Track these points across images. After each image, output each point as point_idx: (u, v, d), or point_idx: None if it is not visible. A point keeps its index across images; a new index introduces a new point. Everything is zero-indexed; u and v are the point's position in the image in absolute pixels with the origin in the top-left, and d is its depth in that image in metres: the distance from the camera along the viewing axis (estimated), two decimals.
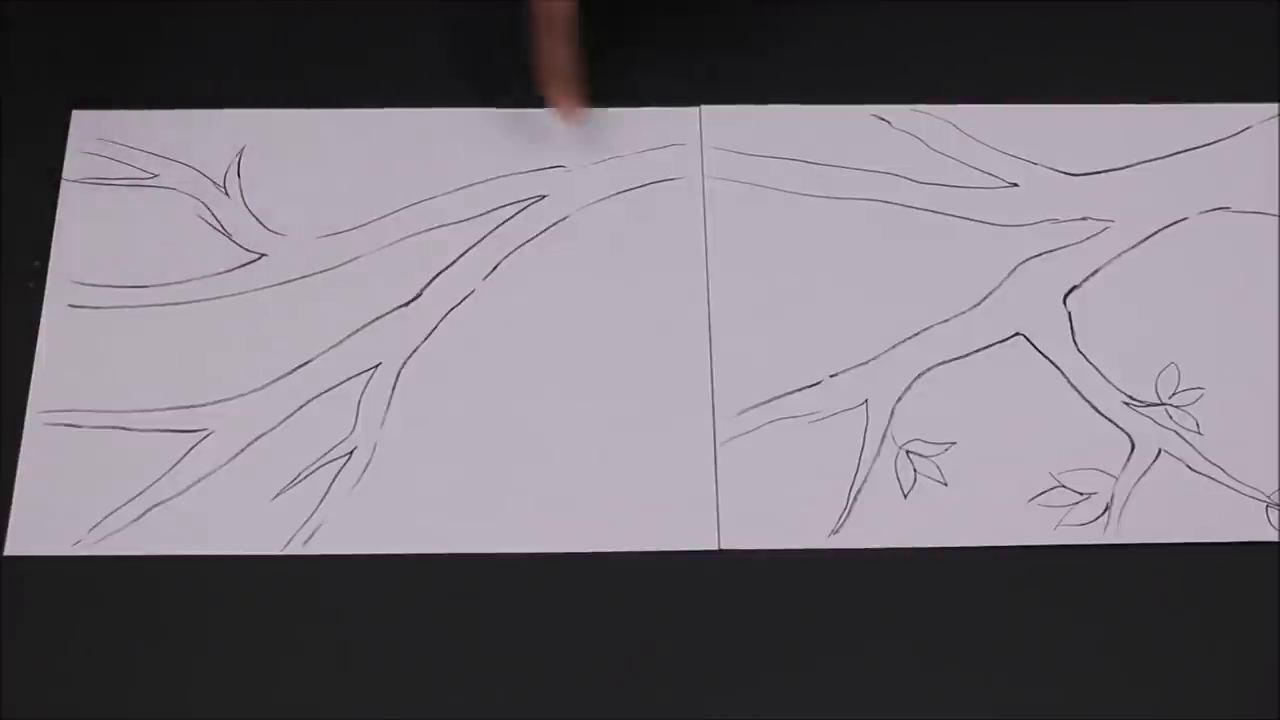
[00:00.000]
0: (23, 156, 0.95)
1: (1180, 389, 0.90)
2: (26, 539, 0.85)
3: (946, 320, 0.91)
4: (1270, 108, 0.98)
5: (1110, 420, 0.89)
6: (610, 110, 0.97)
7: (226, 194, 0.95)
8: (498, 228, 0.94)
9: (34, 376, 0.89)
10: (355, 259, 0.93)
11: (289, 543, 0.85)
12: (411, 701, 0.82)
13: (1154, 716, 0.82)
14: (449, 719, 0.82)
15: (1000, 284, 0.92)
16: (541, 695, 0.82)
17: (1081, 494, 0.87)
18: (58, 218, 0.94)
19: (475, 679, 0.83)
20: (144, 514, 0.86)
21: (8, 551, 0.85)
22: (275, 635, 0.84)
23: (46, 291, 0.91)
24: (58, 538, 0.85)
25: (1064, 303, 0.92)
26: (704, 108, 0.97)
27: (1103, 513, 0.87)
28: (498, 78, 0.98)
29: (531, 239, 0.93)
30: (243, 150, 0.95)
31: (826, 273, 0.93)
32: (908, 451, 0.88)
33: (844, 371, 0.90)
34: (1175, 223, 0.94)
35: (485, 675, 0.83)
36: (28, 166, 0.95)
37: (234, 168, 0.95)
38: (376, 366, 0.90)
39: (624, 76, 0.98)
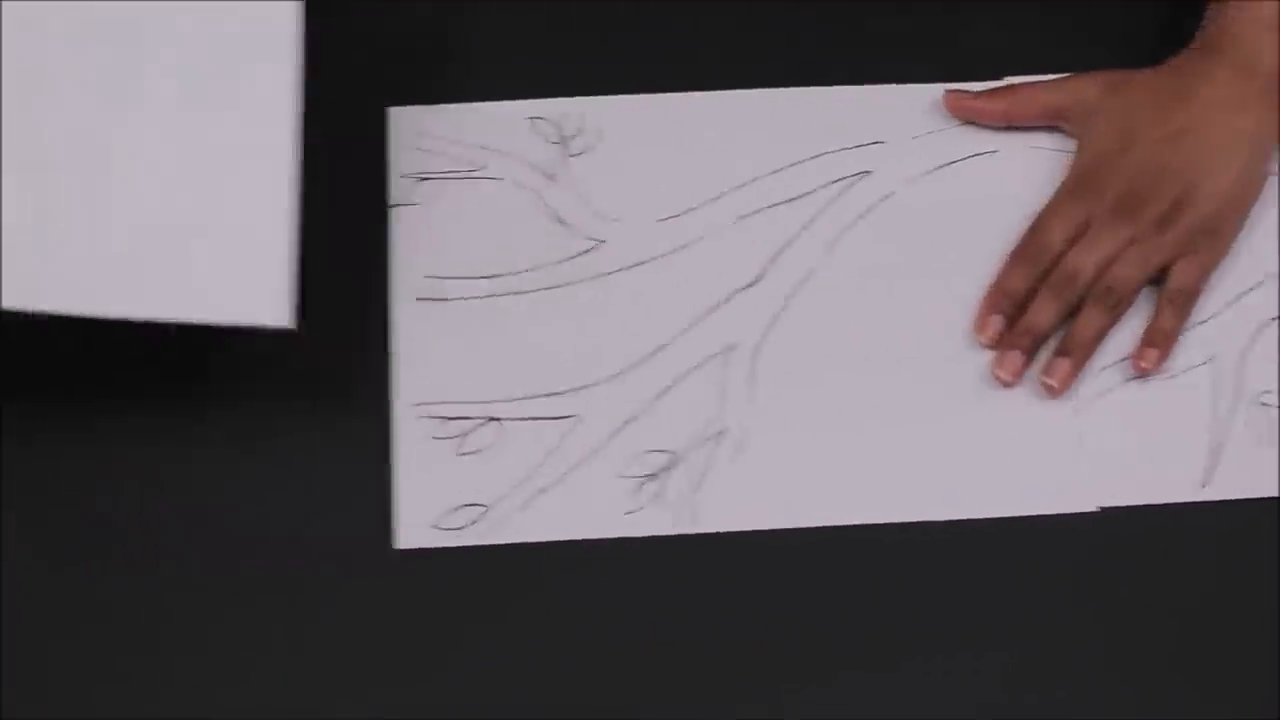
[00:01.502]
0: (349, 155, 0.95)
1: None
2: (416, 532, 0.86)
3: None
4: None
5: None
6: (923, 86, 0.98)
7: (556, 182, 0.95)
8: (828, 206, 0.95)
9: (397, 371, 0.89)
10: (693, 242, 0.94)
11: (677, 523, 0.86)
12: (807, 666, 0.83)
13: None
14: (854, 672, 0.83)
15: None
16: (945, 659, 0.84)
17: None
18: (392, 214, 0.94)
19: (866, 647, 0.84)
20: (530, 501, 0.87)
21: (401, 544, 0.86)
22: (665, 613, 0.85)
23: (392, 286, 0.92)
24: (447, 529, 0.86)
25: None
26: (1011, 79, 0.99)
27: None
28: (805, 57, 0.99)
29: (863, 216, 0.95)
30: (568, 139, 0.96)
31: None
32: (1262, 403, 0.90)
33: (1188, 329, 0.92)
34: None
35: (877, 643, 0.84)
36: (355, 165, 0.95)
37: (561, 156, 0.96)
38: (733, 347, 0.91)
39: (924, 50, 0.99)
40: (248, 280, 0.82)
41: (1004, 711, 0.82)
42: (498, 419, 0.89)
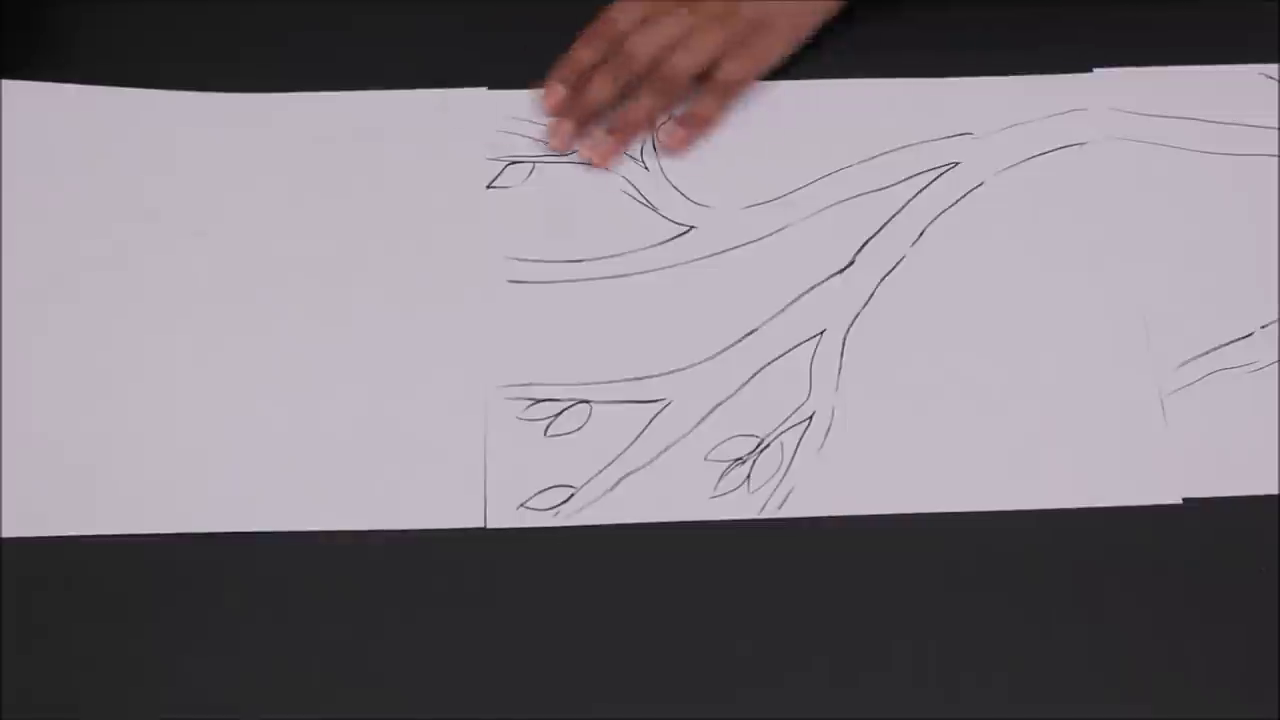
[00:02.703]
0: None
1: None
2: (505, 512, 0.86)
3: None
4: None
5: None
6: (1010, 79, 0.98)
7: (645, 168, 0.96)
8: (917, 195, 0.95)
9: (486, 352, 0.90)
10: (782, 229, 0.94)
11: (764, 507, 0.87)
12: (888, 651, 0.84)
13: None
14: (941, 657, 0.83)
15: None
16: (1032, 645, 0.84)
17: None
18: (483, 196, 0.95)
19: (948, 633, 0.85)
20: (617, 483, 0.87)
21: (490, 524, 0.86)
22: (754, 595, 0.85)
23: (485, 268, 0.93)
24: (536, 509, 0.87)
25: None
26: (1098, 71, 0.99)
27: None
28: (891, 49, 0.99)
29: (951, 205, 0.95)
30: (658, 127, 0.97)
31: (1235, 226, 0.94)
32: None
33: (1273, 323, 0.92)
34: None
35: (959, 630, 0.85)
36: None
37: (648, 142, 0.97)
38: (822, 333, 0.91)
39: (1012, 43, 1.00)
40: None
41: (1106, 696, 0.82)
42: (587, 401, 0.89)
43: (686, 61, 0.97)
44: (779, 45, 0.98)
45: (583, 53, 0.98)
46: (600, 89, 0.96)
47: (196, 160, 0.96)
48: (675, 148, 0.96)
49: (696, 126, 0.97)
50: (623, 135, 0.96)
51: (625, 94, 0.97)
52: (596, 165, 0.96)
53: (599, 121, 0.97)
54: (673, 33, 0.97)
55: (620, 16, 0.98)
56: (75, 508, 0.86)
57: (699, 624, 0.85)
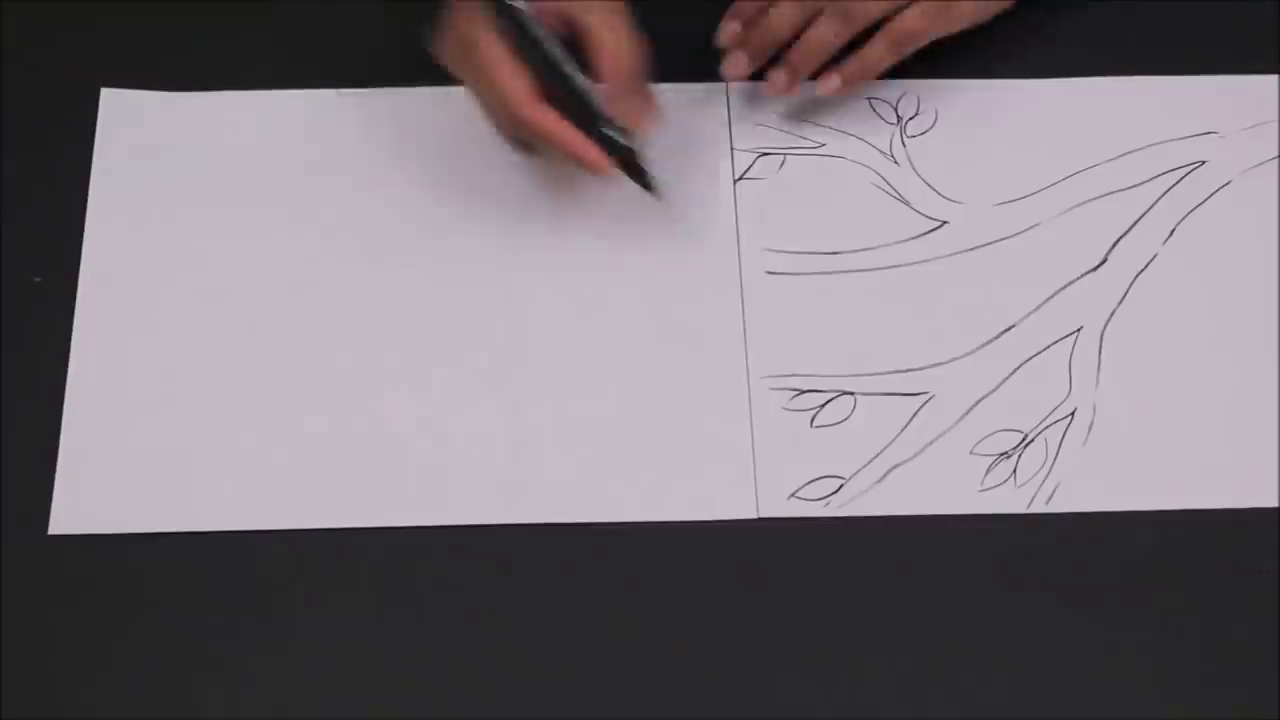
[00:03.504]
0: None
1: None
2: (775, 501, 0.87)
3: None
4: None
5: None
6: (1253, 77, 0.99)
7: (895, 162, 0.97)
8: (1166, 193, 0.96)
9: (748, 342, 0.91)
10: (1032, 227, 0.95)
11: (1031, 501, 0.87)
12: (1156, 644, 0.85)
13: None
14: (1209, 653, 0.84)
15: None
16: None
17: None
18: (737, 188, 0.96)
19: (1208, 628, 0.85)
20: (885, 475, 0.88)
21: (760, 513, 0.87)
22: (1015, 588, 0.86)
23: (742, 260, 0.93)
24: (806, 499, 0.87)
25: None
26: None
27: None
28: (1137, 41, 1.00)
29: (1200, 204, 0.96)
30: (905, 120, 0.98)
31: None
32: None
33: None
34: None
35: (1241, 617, 0.85)
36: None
37: (898, 136, 0.97)
38: (1079, 330, 0.92)
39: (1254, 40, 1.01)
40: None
41: None
42: (850, 393, 0.90)
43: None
44: (971, 7, 0.96)
45: None
46: (783, 20, 0.94)
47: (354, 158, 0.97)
48: (826, 93, 0.95)
49: (858, 76, 0.95)
50: (796, 65, 0.95)
51: (806, 27, 0.95)
52: (769, 94, 0.96)
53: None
54: None
55: None
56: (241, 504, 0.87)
57: (964, 611, 0.86)
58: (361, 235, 0.94)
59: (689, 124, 0.97)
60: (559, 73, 0.86)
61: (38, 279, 0.92)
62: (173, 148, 0.96)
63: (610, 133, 0.88)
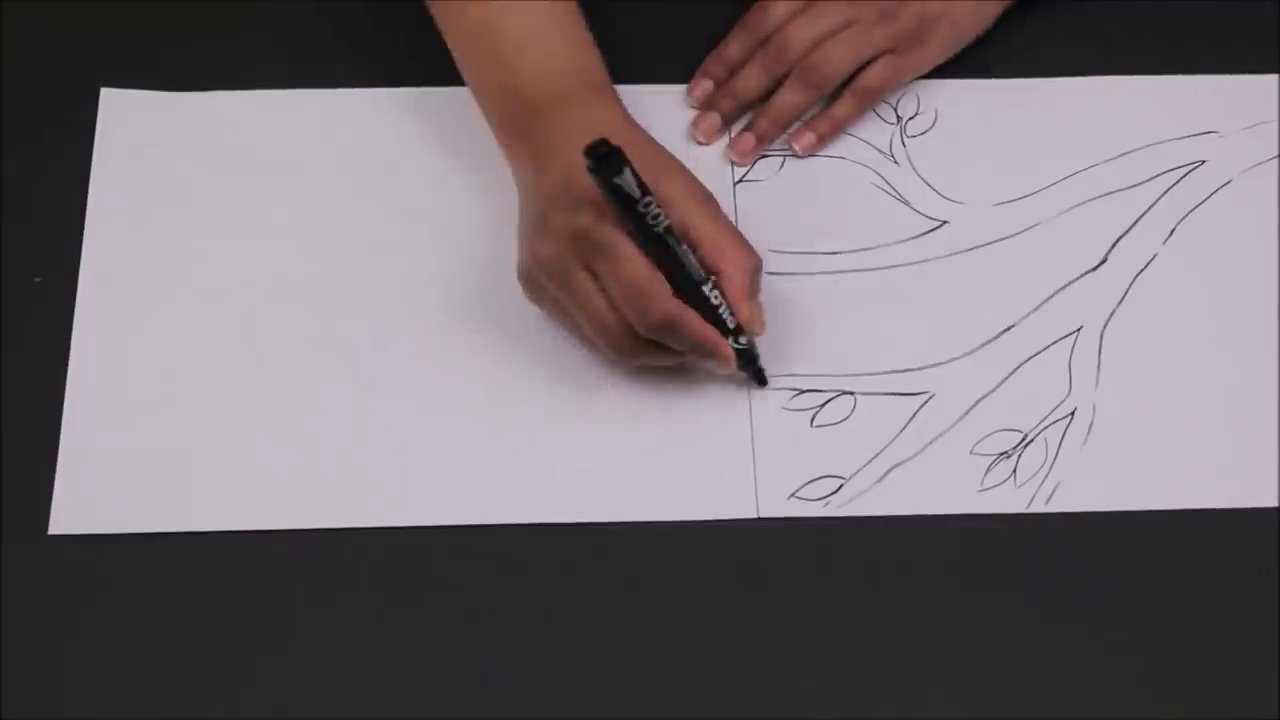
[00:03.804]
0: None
1: None
2: (776, 501, 0.87)
3: None
4: None
5: None
6: (1252, 77, 0.99)
7: (895, 162, 0.97)
8: (1166, 193, 0.96)
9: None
10: (1032, 226, 0.95)
11: (1031, 501, 0.87)
12: (1153, 645, 0.84)
13: None
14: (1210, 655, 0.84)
15: None
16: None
17: None
18: (736, 190, 0.96)
19: (1233, 618, 0.85)
20: (885, 475, 0.88)
21: (761, 513, 0.87)
22: (1014, 588, 0.86)
23: None
24: (806, 499, 0.87)
25: None
26: None
27: None
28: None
29: (1200, 204, 0.96)
30: (905, 120, 0.98)
31: None
32: None
33: None
34: None
35: (1242, 615, 0.85)
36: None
37: (898, 136, 0.97)
38: (1079, 330, 0.92)
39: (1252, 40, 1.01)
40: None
41: None
42: (850, 393, 0.90)
43: (843, 55, 0.95)
44: (936, 51, 0.97)
45: (733, 46, 0.98)
46: (751, 81, 0.96)
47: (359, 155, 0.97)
48: (802, 151, 0.96)
49: (830, 132, 0.97)
50: (765, 130, 0.96)
51: (775, 88, 0.96)
52: (737, 163, 0.96)
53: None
54: (831, 26, 0.95)
55: (776, 7, 0.97)
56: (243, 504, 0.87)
57: (964, 611, 0.85)
58: (362, 235, 0.94)
59: (688, 127, 0.98)
60: (685, 272, 0.84)
61: (38, 279, 0.92)
62: (173, 148, 0.97)
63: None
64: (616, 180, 0.81)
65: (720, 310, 0.85)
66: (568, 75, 0.89)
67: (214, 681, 0.83)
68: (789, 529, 0.87)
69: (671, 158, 0.88)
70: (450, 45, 0.93)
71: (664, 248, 0.83)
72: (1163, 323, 0.92)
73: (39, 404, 0.89)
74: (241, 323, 0.91)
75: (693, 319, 0.84)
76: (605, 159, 0.81)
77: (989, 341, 0.92)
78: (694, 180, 0.87)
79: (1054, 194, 0.96)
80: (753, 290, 0.86)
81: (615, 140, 0.82)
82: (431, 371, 0.90)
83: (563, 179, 0.84)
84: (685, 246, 0.84)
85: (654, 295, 0.83)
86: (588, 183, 0.82)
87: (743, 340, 0.87)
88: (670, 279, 0.84)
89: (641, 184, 0.82)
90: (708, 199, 0.87)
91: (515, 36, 0.90)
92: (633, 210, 0.82)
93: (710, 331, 0.85)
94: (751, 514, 0.87)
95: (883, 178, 0.96)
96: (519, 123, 0.89)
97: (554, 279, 0.85)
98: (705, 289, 0.85)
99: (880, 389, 0.90)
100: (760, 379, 0.89)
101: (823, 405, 0.90)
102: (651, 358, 0.87)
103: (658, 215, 0.82)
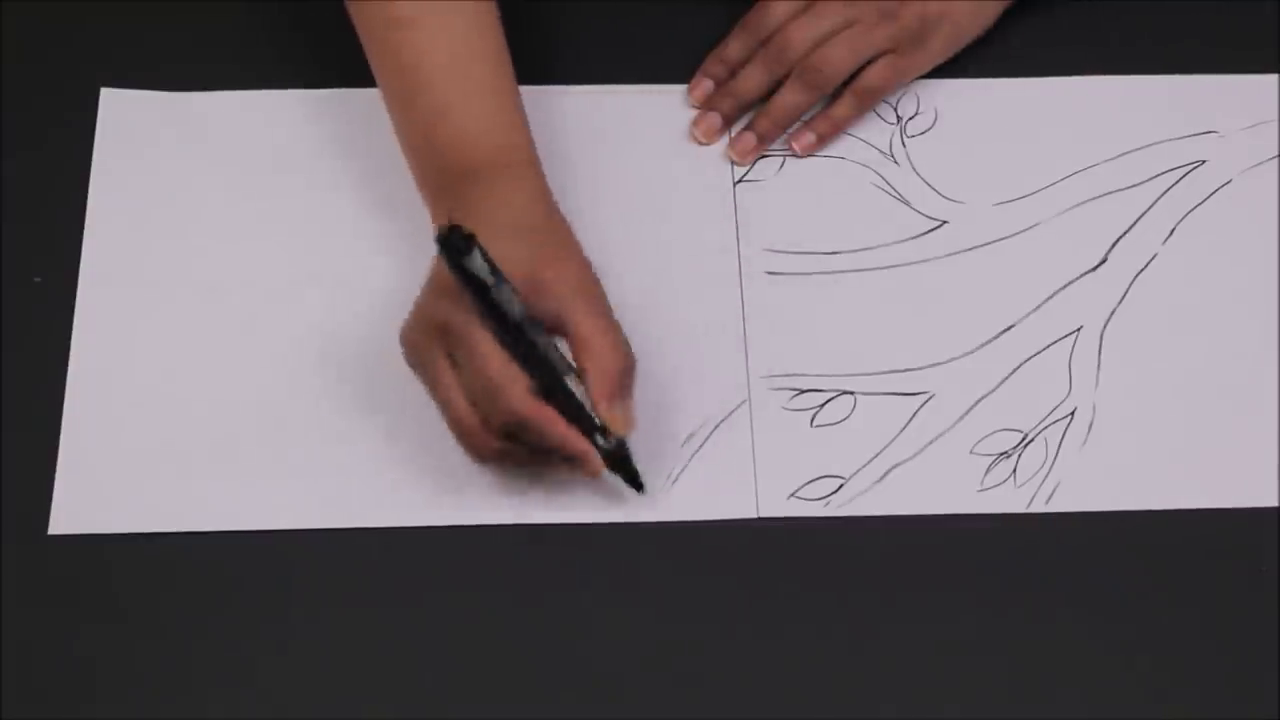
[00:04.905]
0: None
1: None
2: (775, 501, 0.87)
3: None
4: None
5: None
6: (1253, 77, 0.99)
7: (895, 162, 0.97)
8: (1166, 193, 0.96)
9: (747, 343, 0.91)
10: (1032, 226, 0.95)
11: (1031, 501, 0.87)
12: (1154, 645, 0.84)
13: None
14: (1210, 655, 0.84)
15: None
16: None
17: None
18: (736, 190, 0.96)
19: (1212, 629, 0.85)
20: (885, 474, 0.88)
21: (760, 513, 0.87)
22: (1014, 588, 0.86)
23: (741, 260, 0.93)
24: (806, 499, 0.87)
25: None
26: None
27: None
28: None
29: (1200, 203, 0.96)
30: (905, 120, 0.98)
31: None
32: None
33: None
34: None
35: (1241, 615, 0.85)
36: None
37: (898, 136, 0.97)
38: (1079, 329, 0.92)
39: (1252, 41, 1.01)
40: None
41: None
42: (850, 393, 0.90)
43: (843, 55, 0.95)
44: (937, 51, 0.97)
45: (733, 46, 0.98)
46: (751, 81, 0.96)
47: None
48: (802, 151, 0.96)
49: (830, 132, 0.97)
50: (765, 130, 0.96)
51: (775, 88, 0.96)
52: (737, 163, 0.96)
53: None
54: (832, 26, 0.95)
55: (777, 7, 0.97)
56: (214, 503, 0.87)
57: (963, 611, 0.85)
58: (361, 234, 0.94)
59: (689, 126, 0.98)
60: (551, 370, 0.81)
61: (38, 279, 0.92)
62: (173, 148, 0.96)
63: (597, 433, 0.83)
64: (465, 263, 0.79)
65: (587, 407, 0.82)
66: (486, 147, 0.87)
67: (214, 681, 0.83)
68: (789, 529, 0.87)
69: (571, 245, 0.85)
70: (378, 80, 0.91)
71: (523, 338, 0.81)
72: (1163, 323, 0.92)
73: (39, 404, 0.89)
74: (241, 323, 0.91)
75: (549, 419, 0.81)
76: (451, 240, 0.78)
77: (989, 341, 0.92)
78: (585, 270, 0.84)
79: (1054, 194, 0.96)
80: (620, 390, 0.82)
81: (520, 220, 0.81)
82: None
83: (440, 259, 0.81)
84: (548, 338, 0.81)
85: (504, 391, 0.80)
86: None
87: (612, 440, 0.83)
88: (534, 372, 0.81)
89: (495, 269, 0.78)
90: (591, 291, 0.83)
91: (440, 97, 0.88)
92: (485, 296, 0.79)
93: (570, 434, 0.81)
94: (752, 514, 0.87)
95: (883, 178, 0.96)
96: (435, 183, 0.88)
97: (416, 365, 0.83)
98: (569, 382, 0.82)
99: (880, 389, 0.90)
100: (635, 484, 0.85)
101: (823, 405, 0.90)
102: (510, 458, 0.83)
103: (510, 302, 0.79)
